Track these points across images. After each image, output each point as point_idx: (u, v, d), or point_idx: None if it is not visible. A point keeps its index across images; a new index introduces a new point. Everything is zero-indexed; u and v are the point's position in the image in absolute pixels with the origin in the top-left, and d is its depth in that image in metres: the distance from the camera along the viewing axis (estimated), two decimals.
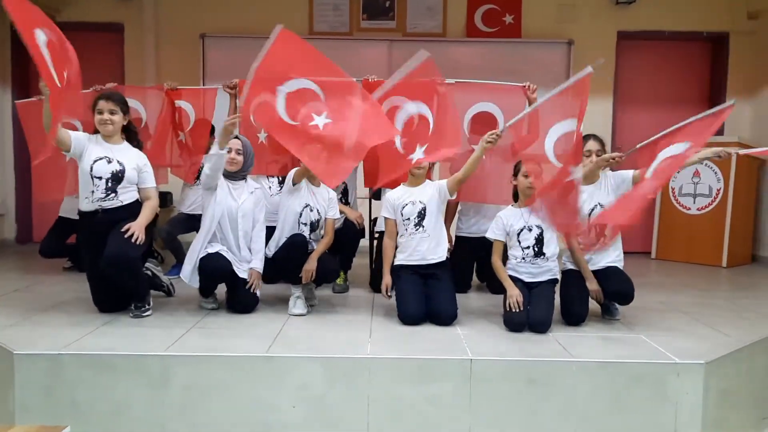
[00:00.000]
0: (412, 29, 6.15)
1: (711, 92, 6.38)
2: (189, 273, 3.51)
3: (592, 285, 3.37)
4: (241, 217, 3.54)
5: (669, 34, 6.19)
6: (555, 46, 6.07)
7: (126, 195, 3.38)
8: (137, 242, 3.20)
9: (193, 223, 4.54)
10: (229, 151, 3.52)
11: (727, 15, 6.15)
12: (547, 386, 2.75)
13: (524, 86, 4.07)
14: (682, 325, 3.46)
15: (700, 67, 6.43)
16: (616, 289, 3.37)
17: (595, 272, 3.40)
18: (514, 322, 3.22)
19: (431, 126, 3.81)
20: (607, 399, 2.76)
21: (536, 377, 2.76)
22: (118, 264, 3.18)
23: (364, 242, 4.44)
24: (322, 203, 3.64)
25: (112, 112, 3.36)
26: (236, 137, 3.63)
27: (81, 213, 3.43)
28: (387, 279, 3.55)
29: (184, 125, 4.60)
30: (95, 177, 3.30)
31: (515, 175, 3.45)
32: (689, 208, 5.81)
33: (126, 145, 3.45)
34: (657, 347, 2.98)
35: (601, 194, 3.42)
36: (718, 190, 5.63)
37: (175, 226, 4.58)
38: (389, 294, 3.52)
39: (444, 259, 3.52)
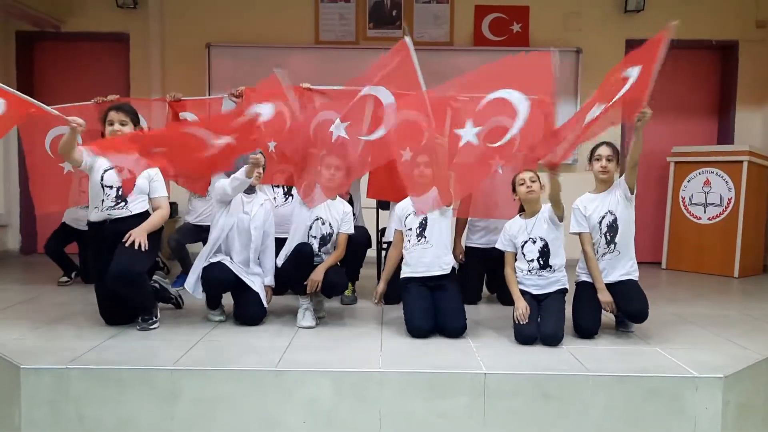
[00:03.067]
0: (418, 38, 6.10)
1: (720, 101, 6.33)
2: (193, 283, 3.50)
3: (605, 296, 3.30)
4: (253, 229, 3.51)
5: (677, 43, 6.07)
6: (563, 55, 5.97)
7: (136, 205, 3.36)
8: (141, 249, 3.17)
9: (201, 233, 4.51)
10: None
11: (736, 23, 6.11)
12: (563, 401, 2.70)
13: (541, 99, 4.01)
14: (698, 337, 3.40)
15: (709, 76, 6.37)
16: (630, 309, 3.30)
17: (610, 286, 3.33)
18: (524, 335, 3.17)
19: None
20: (624, 414, 2.70)
21: (551, 392, 2.70)
22: (123, 280, 3.15)
23: (371, 252, 4.39)
24: (336, 217, 3.60)
25: (122, 123, 3.38)
26: (261, 152, 3.61)
27: (90, 224, 3.43)
28: (381, 287, 3.59)
29: None
30: (106, 186, 3.31)
31: (513, 190, 3.42)
32: (700, 218, 5.75)
33: (137, 155, 3.42)
34: (674, 360, 2.92)
35: (612, 201, 3.36)
36: (729, 200, 5.57)
37: (184, 235, 4.55)
38: (378, 301, 3.59)
39: (450, 270, 3.47)
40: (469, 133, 3.78)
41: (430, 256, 3.43)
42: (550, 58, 3.46)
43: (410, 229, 3.48)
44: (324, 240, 3.59)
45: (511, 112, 3.64)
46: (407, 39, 3.59)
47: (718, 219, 5.65)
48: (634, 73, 3.12)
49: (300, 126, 4.04)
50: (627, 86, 3.10)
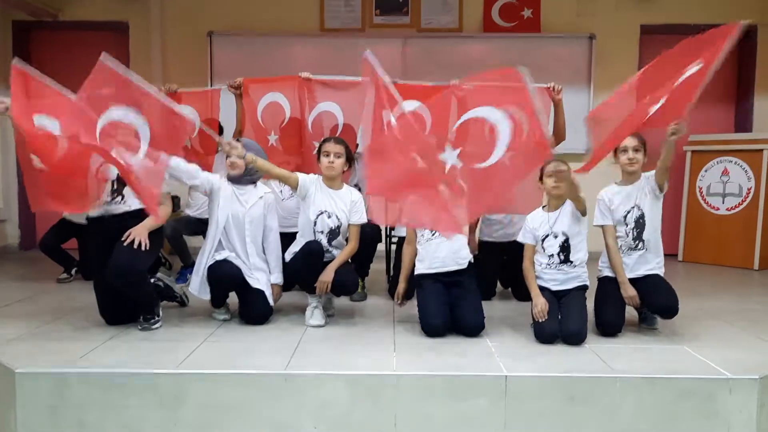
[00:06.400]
0: (426, 25, 5.94)
1: (738, 87, 6.15)
2: (198, 285, 3.35)
3: (628, 291, 3.16)
4: (248, 222, 3.36)
5: (694, 27, 5.94)
6: (576, 41, 5.84)
7: (134, 200, 3.23)
8: (142, 247, 3.05)
9: (200, 226, 4.37)
10: (229, 156, 3.34)
11: (755, 7, 5.90)
12: (589, 404, 2.56)
13: (548, 87, 3.86)
14: (726, 334, 3.26)
15: (727, 62, 6.08)
16: (660, 303, 3.16)
17: (635, 281, 3.19)
18: (546, 333, 3.02)
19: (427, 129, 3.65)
20: (654, 417, 2.56)
21: (576, 394, 2.56)
22: (123, 277, 3.03)
23: (380, 247, 4.24)
24: (343, 207, 3.43)
25: None
26: (237, 140, 3.48)
27: (89, 219, 3.32)
28: (401, 286, 3.40)
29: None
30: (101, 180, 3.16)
31: (541, 178, 3.24)
32: (718, 209, 5.58)
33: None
34: (704, 360, 2.78)
35: (639, 195, 3.21)
36: (749, 189, 5.39)
37: (182, 225, 4.42)
38: (400, 302, 3.39)
39: (467, 265, 3.31)
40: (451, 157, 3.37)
41: (445, 251, 3.27)
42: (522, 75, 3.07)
43: None
44: (333, 233, 3.43)
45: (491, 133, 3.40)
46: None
47: (737, 209, 5.48)
48: (693, 69, 2.89)
49: (299, 116, 3.95)
50: (681, 79, 2.88)
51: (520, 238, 3.31)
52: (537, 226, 3.22)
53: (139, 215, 3.19)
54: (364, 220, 3.51)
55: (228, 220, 3.34)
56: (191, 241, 4.52)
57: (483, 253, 3.96)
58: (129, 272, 3.02)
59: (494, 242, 3.96)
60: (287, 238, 3.57)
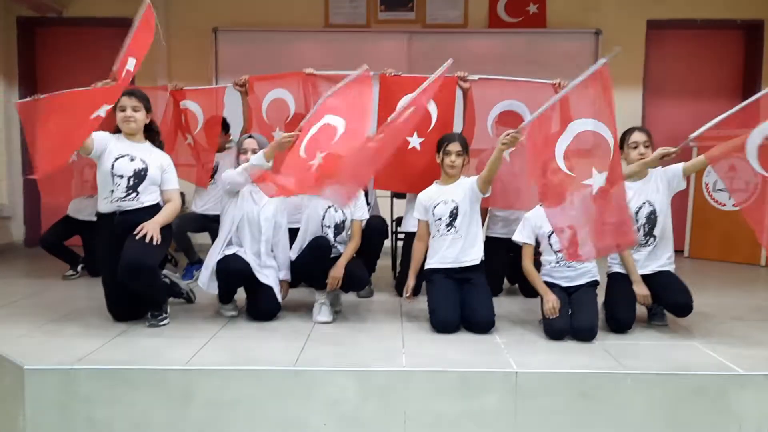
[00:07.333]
0: (432, 20, 5.93)
1: (744, 82, 6.12)
2: (207, 279, 3.34)
3: (641, 289, 3.15)
4: (263, 220, 3.36)
5: (701, 23, 5.94)
6: (581, 36, 5.83)
7: (147, 196, 3.22)
8: (154, 242, 3.03)
9: (205, 223, 4.37)
10: (245, 152, 3.37)
11: (762, 2, 5.89)
12: (600, 401, 2.54)
13: (555, 84, 3.84)
14: (736, 330, 3.24)
15: (734, 57, 6.16)
16: (674, 302, 3.15)
17: (647, 278, 3.18)
18: (555, 329, 3.01)
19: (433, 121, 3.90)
20: (665, 414, 2.54)
21: (588, 391, 2.55)
22: (135, 273, 3.00)
23: (386, 242, 4.22)
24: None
25: (135, 109, 3.21)
26: (250, 136, 3.50)
27: (99, 215, 3.30)
28: (411, 282, 3.38)
29: (191, 127, 4.41)
30: (116, 175, 3.15)
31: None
32: (724, 204, 5.55)
33: (149, 145, 3.30)
34: (716, 356, 2.76)
35: (650, 191, 3.20)
36: (756, 185, 5.36)
37: (186, 222, 4.39)
38: (409, 296, 3.37)
39: (479, 262, 3.30)
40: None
41: (459, 247, 3.27)
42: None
43: (439, 219, 3.31)
44: (338, 228, 3.44)
45: None
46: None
47: (743, 205, 5.44)
48: None
49: (304, 112, 3.95)
50: None
51: (517, 238, 3.29)
52: (541, 223, 3.20)
53: (150, 211, 3.18)
54: (365, 216, 3.52)
55: (243, 219, 3.34)
56: (196, 237, 4.51)
57: (489, 250, 3.93)
58: (141, 267, 3.00)
59: (500, 238, 3.94)
60: (292, 234, 3.56)
